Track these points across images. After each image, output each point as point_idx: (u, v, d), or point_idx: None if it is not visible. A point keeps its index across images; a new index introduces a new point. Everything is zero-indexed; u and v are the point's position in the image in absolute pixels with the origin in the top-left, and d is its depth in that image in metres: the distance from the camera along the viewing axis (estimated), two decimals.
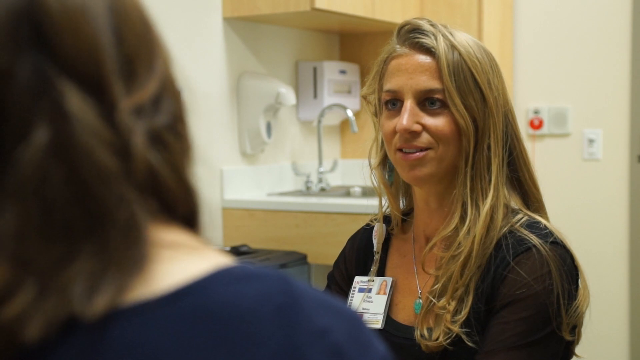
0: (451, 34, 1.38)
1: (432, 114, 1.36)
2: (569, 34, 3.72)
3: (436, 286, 1.37)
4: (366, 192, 3.28)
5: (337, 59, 3.82)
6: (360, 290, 1.50)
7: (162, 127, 0.59)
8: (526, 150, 1.43)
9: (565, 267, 1.33)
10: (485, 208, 1.35)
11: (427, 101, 1.37)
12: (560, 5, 3.73)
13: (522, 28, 3.82)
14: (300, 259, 2.88)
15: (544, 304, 1.30)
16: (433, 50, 1.36)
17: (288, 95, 3.25)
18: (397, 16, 3.41)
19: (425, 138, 1.36)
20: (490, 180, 1.35)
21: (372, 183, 1.49)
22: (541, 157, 3.79)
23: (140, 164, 0.57)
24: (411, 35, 1.39)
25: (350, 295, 1.51)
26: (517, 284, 1.31)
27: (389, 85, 1.40)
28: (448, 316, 1.34)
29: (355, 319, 0.60)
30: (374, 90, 1.44)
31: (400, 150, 1.38)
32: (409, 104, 1.37)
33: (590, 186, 3.71)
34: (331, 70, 3.59)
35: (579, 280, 1.36)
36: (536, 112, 3.80)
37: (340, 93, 3.61)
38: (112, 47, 0.57)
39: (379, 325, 1.44)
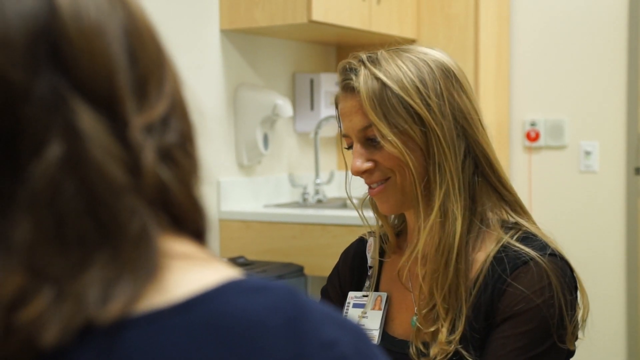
0: (377, 63, 1.38)
1: (378, 147, 1.38)
2: (565, 46, 3.73)
3: (424, 310, 1.38)
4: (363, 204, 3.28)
5: (334, 71, 3.82)
6: (355, 305, 1.50)
7: (172, 145, 0.61)
8: (490, 152, 1.40)
9: (565, 279, 1.33)
10: (428, 226, 1.36)
11: (368, 138, 1.39)
12: (556, 18, 3.75)
13: (518, 40, 3.83)
14: (297, 271, 2.87)
15: (545, 317, 1.30)
16: (356, 88, 1.37)
17: (285, 107, 3.25)
18: (394, 28, 3.42)
19: (379, 172, 1.39)
20: (438, 196, 1.35)
21: (354, 206, 1.52)
22: (538, 169, 3.80)
23: (150, 179, 0.58)
24: (342, 78, 1.42)
25: (345, 310, 1.50)
26: (516, 298, 1.31)
27: (343, 130, 1.44)
28: (442, 337, 1.34)
29: (360, 332, 0.62)
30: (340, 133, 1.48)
31: (369, 186, 1.42)
32: (357, 146, 1.40)
33: (587, 198, 3.71)
34: (328, 82, 3.59)
35: (578, 291, 1.36)
36: (533, 124, 3.80)
37: None
38: (126, 67, 0.59)
39: (375, 341, 1.43)
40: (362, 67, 1.38)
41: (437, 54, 1.41)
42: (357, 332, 0.61)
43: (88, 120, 0.56)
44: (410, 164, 1.35)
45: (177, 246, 0.61)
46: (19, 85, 0.55)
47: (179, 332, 0.56)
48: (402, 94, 1.35)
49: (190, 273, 0.59)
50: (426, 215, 1.37)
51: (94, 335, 0.55)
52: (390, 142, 1.34)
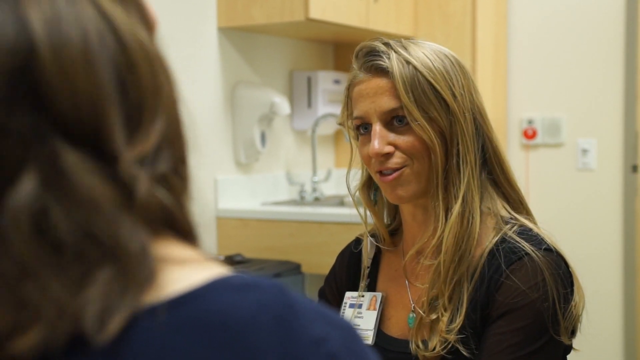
0: (405, 49, 1.38)
1: (401, 132, 1.37)
2: (562, 44, 3.73)
3: (424, 298, 1.38)
4: (360, 202, 3.28)
5: (332, 69, 3.82)
6: (351, 305, 1.50)
7: (165, 173, 0.60)
8: (500, 150, 1.42)
9: (559, 272, 1.33)
10: (453, 216, 1.35)
11: (395, 119, 1.38)
12: (553, 16, 3.75)
13: (516, 38, 3.83)
14: (294, 269, 2.87)
15: (540, 312, 1.30)
16: (387, 69, 1.37)
17: (282, 104, 3.25)
18: (392, 26, 3.42)
19: (398, 157, 1.38)
20: (460, 188, 1.35)
21: (353, 200, 1.51)
22: (535, 167, 3.80)
23: (148, 206, 0.58)
24: (366, 59, 1.40)
25: (342, 310, 1.50)
26: (512, 293, 1.31)
27: (357, 112, 1.41)
28: (443, 326, 1.34)
29: (350, 329, 0.61)
30: (347, 117, 1.46)
31: (380, 172, 1.40)
32: (377, 127, 1.38)
33: (585, 196, 3.72)
34: (325, 80, 3.59)
35: (574, 284, 1.37)
36: (530, 122, 3.80)
37: (335, 103, 3.61)
38: (116, 100, 0.57)
39: (369, 341, 1.44)
40: (392, 51, 1.38)
41: (448, 50, 1.42)
42: (347, 330, 0.61)
43: (71, 160, 0.55)
44: (437, 150, 1.35)
45: (166, 249, 0.60)
46: None
47: (165, 330, 0.55)
48: (432, 81, 1.36)
49: (177, 273, 0.59)
50: (445, 204, 1.36)
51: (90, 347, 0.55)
52: (421, 126, 1.34)
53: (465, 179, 1.35)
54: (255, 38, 3.38)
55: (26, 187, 0.54)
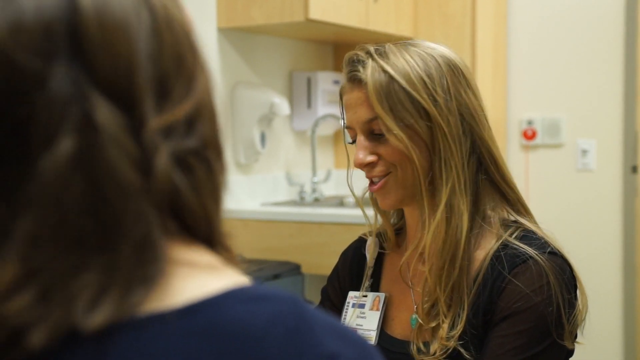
0: (386, 56, 1.37)
1: (382, 141, 1.37)
2: (562, 45, 3.73)
3: (426, 305, 1.37)
4: (365, 202, 3.28)
5: (331, 69, 3.82)
6: (354, 305, 1.49)
7: (189, 151, 0.60)
8: (494, 149, 1.40)
9: (564, 277, 1.32)
10: (434, 222, 1.35)
11: (372, 131, 1.38)
12: (553, 16, 3.75)
13: (515, 39, 3.83)
14: (294, 269, 2.87)
15: (543, 316, 1.29)
16: (363, 79, 1.37)
17: (282, 105, 3.25)
18: (391, 27, 3.42)
19: (382, 165, 1.38)
20: (444, 193, 1.34)
21: (356, 200, 1.51)
22: (535, 168, 3.80)
23: (162, 183, 0.57)
24: (348, 69, 1.40)
25: (344, 310, 1.50)
26: (515, 297, 1.31)
27: (346, 121, 1.43)
28: (443, 333, 1.33)
29: (365, 347, 0.61)
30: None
31: (370, 180, 1.41)
32: (361, 138, 1.39)
33: (584, 197, 3.71)
34: (325, 80, 3.59)
35: (578, 289, 1.36)
36: (530, 122, 3.80)
37: (334, 103, 3.61)
38: (147, 66, 0.58)
39: (371, 341, 1.43)
40: (370, 59, 1.37)
41: (444, 50, 1.40)
42: (362, 347, 0.60)
43: (106, 114, 0.55)
44: (415, 159, 1.34)
45: (185, 253, 0.60)
46: (32, 72, 0.55)
47: (177, 337, 0.55)
48: (409, 88, 1.34)
49: (194, 279, 0.59)
50: (431, 210, 1.36)
51: (83, 341, 0.54)
52: (396, 135, 1.34)
53: (449, 184, 1.34)
54: (255, 38, 3.38)
55: (63, 150, 0.54)
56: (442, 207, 1.34)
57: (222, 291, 0.58)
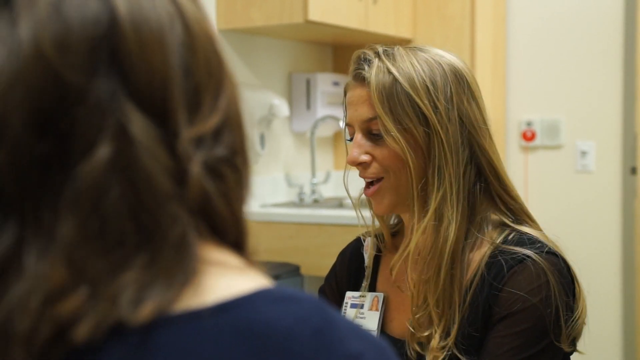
0: (393, 58, 1.37)
1: (379, 143, 1.37)
2: (561, 46, 3.74)
3: (417, 315, 1.37)
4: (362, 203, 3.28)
5: (331, 71, 3.82)
6: (353, 305, 1.49)
7: (220, 159, 0.62)
8: (495, 160, 1.39)
9: (562, 279, 1.32)
10: (419, 230, 1.35)
11: (370, 131, 1.38)
12: (552, 18, 3.75)
13: (514, 40, 3.83)
14: (293, 270, 2.88)
15: (541, 316, 1.29)
16: (367, 78, 1.37)
17: (281, 106, 3.25)
18: (391, 28, 3.42)
19: (375, 168, 1.38)
20: (434, 201, 1.34)
21: (352, 201, 1.51)
22: (534, 169, 3.80)
23: (195, 189, 0.60)
24: (354, 67, 1.41)
25: (343, 310, 1.50)
26: (512, 297, 1.30)
27: (346, 118, 1.43)
28: (435, 343, 1.33)
29: (384, 348, 0.63)
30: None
31: (366, 183, 1.41)
32: (358, 136, 1.39)
33: (583, 198, 3.72)
34: (324, 81, 3.59)
35: (576, 292, 1.36)
36: (529, 124, 3.81)
37: (334, 104, 3.61)
38: (180, 79, 0.61)
39: None
40: (377, 59, 1.38)
41: (452, 58, 1.40)
42: (382, 348, 0.63)
43: (140, 126, 0.58)
44: (410, 163, 1.34)
45: (214, 254, 0.62)
46: (76, 87, 0.57)
47: (210, 333, 0.57)
48: (411, 92, 1.34)
49: (225, 279, 0.61)
50: (420, 216, 1.36)
51: (127, 333, 0.56)
52: (393, 137, 1.34)
53: (441, 192, 1.34)
54: (254, 40, 3.38)
55: (100, 157, 0.57)
56: (430, 214, 1.34)
57: (251, 291, 0.60)
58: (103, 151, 0.57)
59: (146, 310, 0.57)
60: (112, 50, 0.58)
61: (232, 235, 0.64)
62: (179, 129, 0.60)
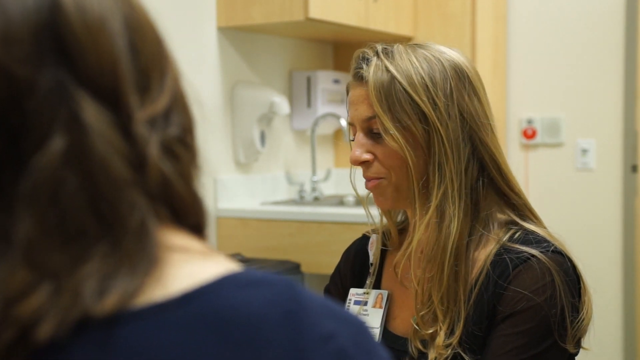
0: (391, 56, 1.37)
1: (380, 142, 1.37)
2: (562, 44, 3.73)
3: (422, 312, 1.37)
4: (359, 201, 3.28)
5: (331, 69, 3.82)
6: (356, 302, 1.49)
7: (173, 139, 0.61)
8: (499, 156, 1.39)
9: (568, 278, 1.31)
10: (421, 227, 1.35)
11: (371, 130, 1.38)
12: (553, 16, 3.75)
13: (515, 38, 3.83)
14: (294, 268, 2.87)
15: (546, 316, 1.29)
16: (365, 77, 1.37)
17: (282, 104, 3.25)
18: (391, 26, 3.42)
19: (377, 167, 1.38)
20: (435, 198, 1.34)
21: (359, 198, 1.51)
22: (534, 167, 3.80)
23: (154, 173, 0.59)
24: (354, 66, 1.41)
25: (346, 307, 1.50)
26: (517, 296, 1.30)
27: (349, 118, 1.43)
28: (440, 340, 1.33)
29: (360, 326, 0.62)
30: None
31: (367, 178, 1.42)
32: (359, 135, 1.39)
33: (584, 196, 3.71)
34: (325, 79, 3.59)
35: (582, 292, 1.35)
36: (529, 121, 3.80)
37: (334, 102, 3.61)
38: (128, 61, 0.59)
39: (375, 339, 1.42)
40: (375, 58, 1.38)
41: (453, 54, 1.39)
42: (357, 325, 0.62)
43: (92, 114, 0.56)
44: (410, 161, 1.34)
45: (176, 239, 0.61)
46: (24, 80, 0.55)
47: (177, 326, 0.56)
48: (409, 89, 1.34)
49: (189, 266, 0.60)
50: (422, 213, 1.36)
51: (91, 329, 0.55)
52: (392, 136, 1.34)
53: (442, 189, 1.33)
54: (255, 38, 3.38)
55: (54, 148, 0.55)
56: (431, 211, 1.34)
57: (217, 277, 0.59)
58: (57, 143, 0.55)
59: (111, 300, 0.55)
60: (57, 37, 0.57)
61: (193, 216, 0.63)
62: (131, 112, 0.59)
